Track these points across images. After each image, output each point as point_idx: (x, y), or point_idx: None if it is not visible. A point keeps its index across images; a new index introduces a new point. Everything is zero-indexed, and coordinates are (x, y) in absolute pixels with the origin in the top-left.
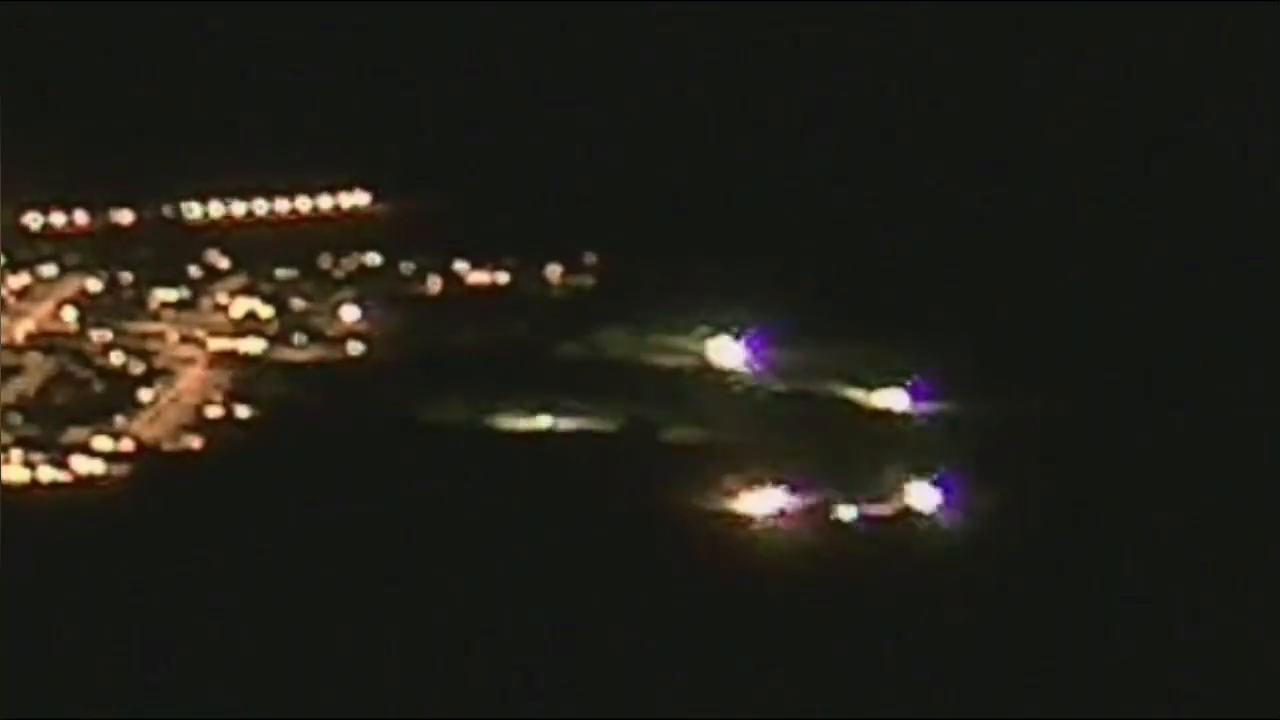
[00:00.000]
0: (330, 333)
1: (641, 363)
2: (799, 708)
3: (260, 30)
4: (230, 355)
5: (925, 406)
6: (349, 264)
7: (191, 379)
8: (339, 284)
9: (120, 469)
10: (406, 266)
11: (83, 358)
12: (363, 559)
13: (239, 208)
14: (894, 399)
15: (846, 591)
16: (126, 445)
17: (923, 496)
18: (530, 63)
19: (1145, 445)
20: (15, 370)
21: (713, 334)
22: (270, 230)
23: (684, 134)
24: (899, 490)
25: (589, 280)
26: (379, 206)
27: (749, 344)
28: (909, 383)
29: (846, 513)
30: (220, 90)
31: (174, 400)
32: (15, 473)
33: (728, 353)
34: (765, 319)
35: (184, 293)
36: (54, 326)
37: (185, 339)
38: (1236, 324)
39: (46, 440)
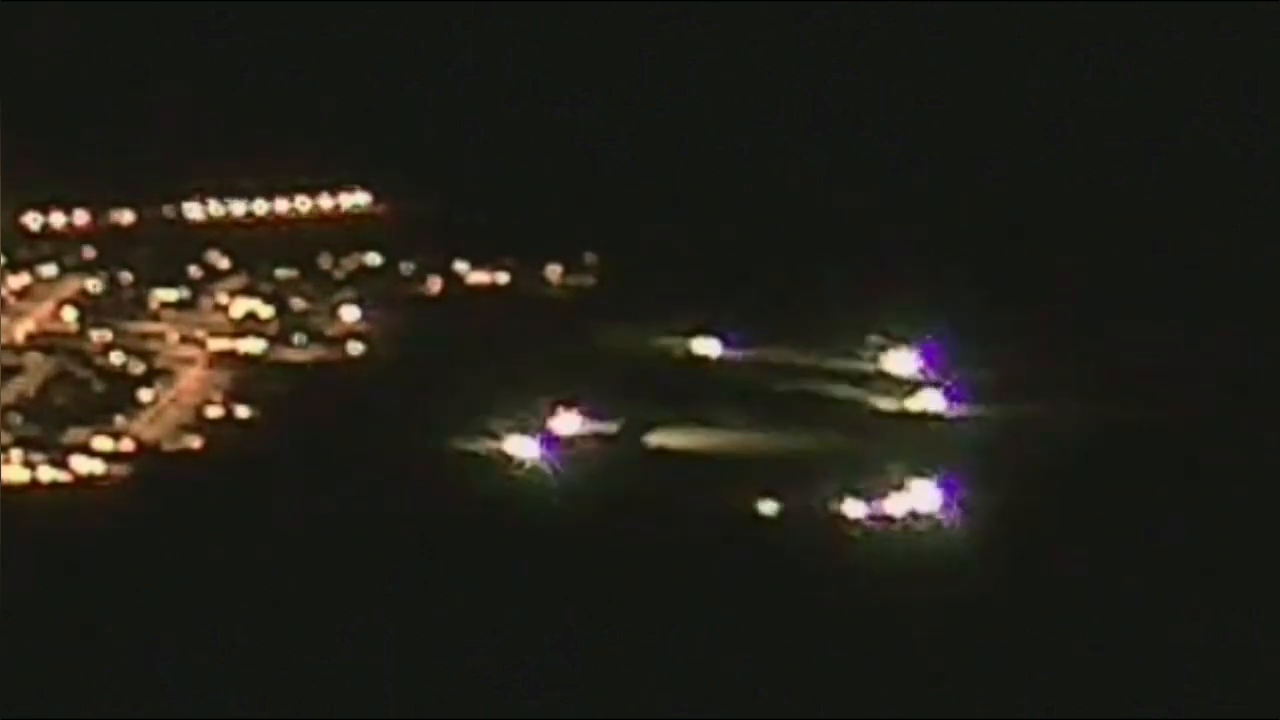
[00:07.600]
0: (330, 333)
1: (641, 363)
2: (800, 708)
3: (261, 30)
4: (230, 355)
5: (926, 407)
6: (349, 264)
7: (191, 379)
8: (339, 284)
9: (120, 469)
10: (406, 266)
11: (83, 358)
12: (362, 559)
13: (239, 208)
14: (894, 399)
15: (847, 591)
16: (126, 445)
17: (924, 496)
18: (530, 63)
19: (1146, 446)
20: (15, 370)
21: (715, 334)
22: (270, 230)
23: (684, 134)
24: (900, 490)
25: (589, 280)
26: (379, 206)
27: (755, 345)
28: (911, 383)
29: (847, 512)
30: (220, 90)
31: (174, 400)
32: (15, 473)
33: (729, 353)
34: (769, 320)
35: (184, 293)
36: (54, 326)
37: (185, 339)
38: (1235, 323)
39: (46, 440)
